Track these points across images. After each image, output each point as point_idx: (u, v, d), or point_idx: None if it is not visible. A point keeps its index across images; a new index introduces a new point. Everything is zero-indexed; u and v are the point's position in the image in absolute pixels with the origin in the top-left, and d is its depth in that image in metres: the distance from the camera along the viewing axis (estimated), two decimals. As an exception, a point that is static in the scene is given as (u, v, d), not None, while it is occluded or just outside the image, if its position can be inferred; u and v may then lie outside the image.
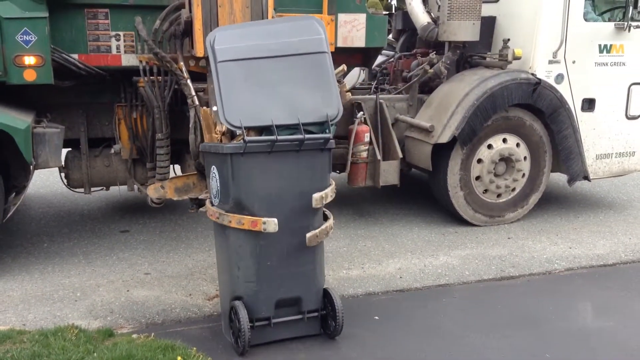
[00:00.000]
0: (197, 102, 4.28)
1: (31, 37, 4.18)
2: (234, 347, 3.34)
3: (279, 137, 3.17)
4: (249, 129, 3.21)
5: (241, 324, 3.20)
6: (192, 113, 4.28)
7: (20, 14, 4.14)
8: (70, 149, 5.02)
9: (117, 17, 4.55)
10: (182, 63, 4.44)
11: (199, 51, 4.35)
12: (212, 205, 3.41)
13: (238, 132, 3.24)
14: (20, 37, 4.16)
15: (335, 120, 3.35)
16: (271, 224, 3.14)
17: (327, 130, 3.31)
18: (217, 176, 3.33)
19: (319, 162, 3.34)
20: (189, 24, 4.37)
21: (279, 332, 3.41)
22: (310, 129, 3.29)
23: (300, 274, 3.37)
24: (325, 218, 3.50)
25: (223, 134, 3.37)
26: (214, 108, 3.40)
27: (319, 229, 3.33)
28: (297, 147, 3.23)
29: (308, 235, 3.27)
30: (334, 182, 3.47)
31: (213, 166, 3.38)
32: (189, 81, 4.38)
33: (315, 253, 3.42)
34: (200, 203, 4.63)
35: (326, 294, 3.49)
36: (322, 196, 3.29)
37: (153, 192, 4.37)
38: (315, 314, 3.48)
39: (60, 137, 4.35)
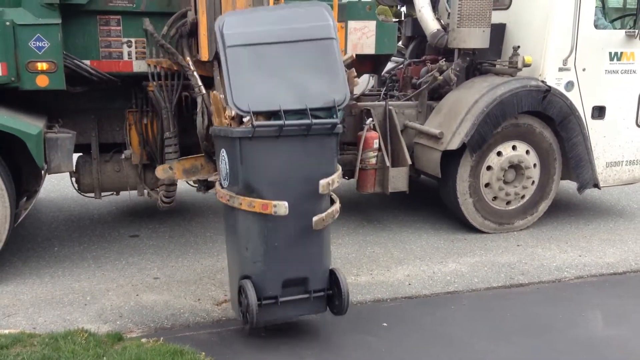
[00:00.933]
0: (203, 91, 4.40)
1: (44, 44, 4.23)
2: (242, 324, 3.37)
3: (287, 122, 3.22)
4: (257, 114, 3.24)
5: (249, 301, 3.24)
6: (199, 100, 4.41)
7: (33, 20, 4.20)
8: (81, 154, 5.05)
9: (129, 24, 4.60)
10: (188, 58, 4.52)
11: (203, 56, 4.42)
12: (222, 187, 3.45)
13: (246, 117, 3.27)
14: (34, 43, 4.21)
15: (343, 106, 3.40)
16: (282, 207, 3.18)
17: (335, 116, 3.34)
18: (227, 159, 3.37)
19: (326, 147, 3.38)
20: (195, 25, 4.45)
21: (286, 310, 3.45)
22: (317, 114, 3.33)
23: (307, 256, 3.41)
24: (332, 202, 3.53)
25: (232, 118, 3.40)
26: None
27: (325, 213, 3.36)
28: (304, 132, 3.28)
29: (314, 219, 3.31)
30: (340, 168, 3.50)
31: (222, 149, 3.42)
32: (195, 73, 4.47)
33: (321, 235, 3.45)
34: (208, 185, 4.67)
35: (332, 274, 3.53)
36: (329, 182, 3.33)
37: (161, 172, 4.45)
38: (322, 293, 3.51)
39: (72, 142, 4.40)
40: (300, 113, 3.29)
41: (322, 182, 3.30)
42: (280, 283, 3.37)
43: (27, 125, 4.18)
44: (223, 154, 3.42)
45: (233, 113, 3.36)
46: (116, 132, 5.02)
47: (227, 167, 3.38)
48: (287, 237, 3.34)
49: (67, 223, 5.60)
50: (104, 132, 5.01)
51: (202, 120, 4.36)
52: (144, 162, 4.98)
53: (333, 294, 3.54)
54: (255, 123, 3.19)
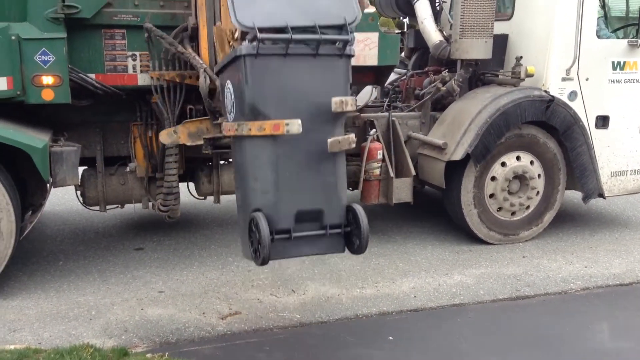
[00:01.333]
0: (205, 66, 4.33)
1: (49, 58, 4.24)
2: (253, 260, 3.20)
3: (294, 37, 3.03)
4: (262, 30, 3.05)
5: (261, 233, 3.03)
6: (201, 72, 4.31)
7: (39, 34, 4.22)
8: (86, 167, 5.07)
9: (134, 38, 4.62)
10: (189, 49, 4.51)
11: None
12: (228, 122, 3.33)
13: (250, 35, 3.09)
14: (39, 58, 4.23)
15: (353, 25, 3.20)
16: (295, 125, 2.99)
17: (346, 34, 3.16)
18: (232, 89, 3.24)
19: (338, 69, 3.20)
20: (195, 30, 4.49)
21: (300, 247, 3.24)
22: (327, 32, 3.13)
23: (321, 186, 3.22)
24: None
25: (236, 40, 3.28)
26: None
27: (341, 137, 3.19)
28: (313, 50, 3.10)
29: (329, 140, 3.12)
30: (355, 96, 3.33)
31: (227, 81, 3.30)
32: (196, 56, 4.44)
33: (335, 164, 3.26)
34: (214, 143, 4.49)
35: (350, 210, 3.31)
36: (342, 100, 3.12)
37: (165, 137, 4.38)
38: (339, 230, 3.29)
39: (77, 155, 4.40)
40: (308, 31, 3.09)
41: (335, 99, 3.09)
42: (293, 215, 3.15)
43: (33, 138, 4.19)
44: (228, 86, 3.28)
45: (237, 33, 3.21)
46: (121, 145, 5.03)
47: (233, 97, 3.22)
48: (298, 164, 3.14)
49: (72, 236, 5.61)
50: (109, 145, 5.02)
51: (205, 79, 4.25)
52: (149, 174, 4.99)
53: (351, 232, 3.31)
54: (261, 35, 2.99)
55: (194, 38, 4.58)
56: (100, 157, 4.97)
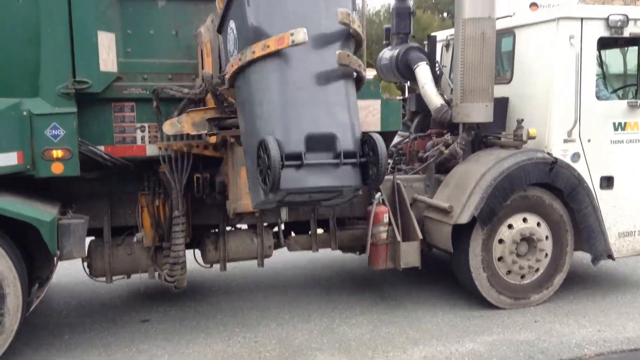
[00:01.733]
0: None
1: (60, 132, 4.31)
2: (262, 188, 2.99)
3: None
4: None
5: (270, 155, 2.84)
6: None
7: (50, 109, 4.29)
8: (93, 237, 5.07)
9: (143, 110, 4.71)
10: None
11: (212, 137, 4.47)
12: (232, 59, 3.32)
13: None
14: (49, 132, 4.29)
15: None
16: (300, 34, 2.90)
17: None
18: (234, 25, 3.23)
19: None
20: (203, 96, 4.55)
21: (312, 176, 3.03)
22: None
23: (331, 109, 3.07)
24: None
25: None
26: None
27: (350, 53, 3.08)
28: None
29: (338, 51, 3.01)
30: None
31: (230, 21, 3.31)
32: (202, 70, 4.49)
33: (346, 89, 3.13)
34: (219, 124, 4.35)
35: (367, 141, 3.13)
36: (349, 12, 3.05)
37: (169, 127, 4.32)
38: (353, 160, 3.09)
39: (85, 227, 4.42)
40: None
41: (341, 9, 3.03)
42: (303, 139, 2.99)
43: (41, 212, 4.22)
44: (231, 25, 3.30)
45: None
46: (128, 215, 5.05)
47: (235, 33, 3.20)
48: (305, 85, 3.02)
49: (78, 308, 5.54)
50: (117, 215, 5.04)
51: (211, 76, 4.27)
52: (155, 244, 4.99)
53: (367, 162, 3.10)
54: None
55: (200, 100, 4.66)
56: (107, 227, 4.99)
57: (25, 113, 4.21)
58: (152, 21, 4.72)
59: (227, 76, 3.46)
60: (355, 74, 3.42)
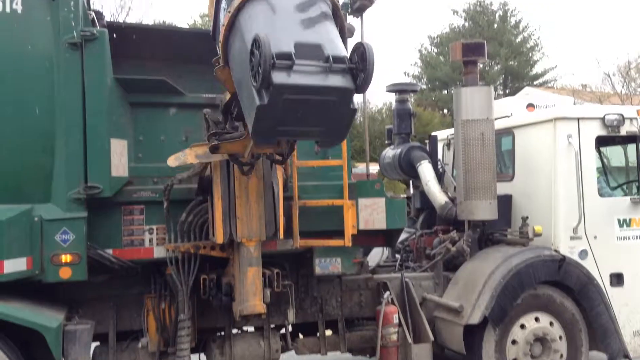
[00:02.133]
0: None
1: (69, 236, 4.32)
2: (254, 89, 3.19)
3: None
4: None
5: (262, 48, 3.07)
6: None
7: (60, 215, 4.32)
8: (98, 343, 4.96)
9: (152, 212, 4.75)
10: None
11: (218, 238, 4.54)
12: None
13: None
14: (59, 237, 4.30)
15: None
16: None
17: None
18: (225, 5, 3.58)
19: None
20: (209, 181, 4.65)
21: (305, 76, 3.26)
22: None
23: (317, 27, 3.40)
24: None
25: None
26: None
27: None
28: None
29: None
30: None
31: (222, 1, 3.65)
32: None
33: (325, 12, 3.48)
34: (220, 138, 4.32)
35: (357, 49, 3.39)
36: None
37: (173, 160, 4.34)
38: (343, 65, 3.33)
39: (91, 333, 4.36)
40: None
41: None
42: (292, 42, 3.25)
43: (47, 318, 4.16)
44: (223, 5, 3.65)
45: None
46: (134, 319, 4.97)
47: (225, 3, 3.59)
48: (290, 10, 3.40)
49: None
50: (122, 319, 4.95)
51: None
52: (160, 349, 4.88)
53: (357, 68, 3.36)
54: None
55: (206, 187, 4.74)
56: (112, 332, 4.89)
57: (36, 219, 4.24)
58: (163, 127, 4.88)
59: (219, 45, 3.72)
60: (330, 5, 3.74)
